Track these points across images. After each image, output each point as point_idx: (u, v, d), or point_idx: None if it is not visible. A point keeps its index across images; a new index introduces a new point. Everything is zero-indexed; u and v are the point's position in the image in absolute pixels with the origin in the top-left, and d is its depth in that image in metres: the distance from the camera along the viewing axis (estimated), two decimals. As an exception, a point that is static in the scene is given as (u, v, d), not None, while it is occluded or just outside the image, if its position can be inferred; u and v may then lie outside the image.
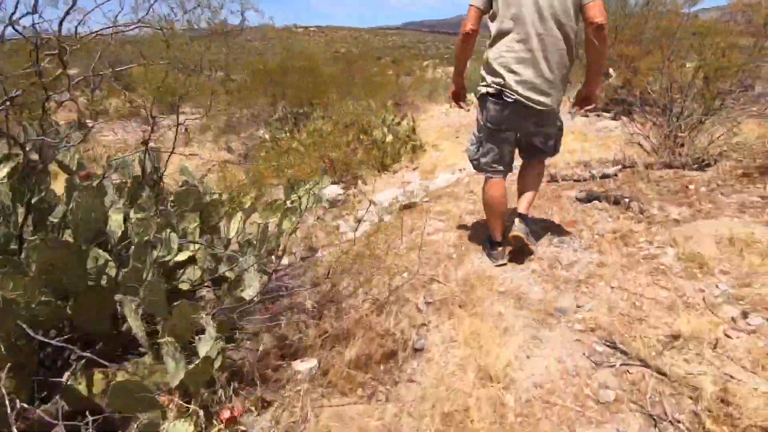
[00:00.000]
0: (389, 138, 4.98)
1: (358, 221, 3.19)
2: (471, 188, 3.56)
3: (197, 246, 1.92)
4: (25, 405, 1.12)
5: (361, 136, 5.21)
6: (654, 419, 1.36)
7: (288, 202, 2.47)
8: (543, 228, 2.61)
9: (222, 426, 1.31)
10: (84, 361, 1.29)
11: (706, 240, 2.20)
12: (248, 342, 1.81)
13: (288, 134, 5.15)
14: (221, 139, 7.31)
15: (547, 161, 2.45)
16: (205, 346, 1.34)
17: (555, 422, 1.40)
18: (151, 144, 2.00)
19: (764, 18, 3.41)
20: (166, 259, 1.81)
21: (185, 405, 1.25)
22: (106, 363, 1.30)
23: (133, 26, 1.69)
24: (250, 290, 1.74)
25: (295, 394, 1.55)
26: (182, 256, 1.90)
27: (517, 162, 2.37)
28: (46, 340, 1.26)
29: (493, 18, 2.01)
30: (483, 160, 2.21)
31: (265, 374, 1.60)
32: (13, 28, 1.34)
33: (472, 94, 4.73)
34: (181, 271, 1.93)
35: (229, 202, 2.49)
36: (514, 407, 1.46)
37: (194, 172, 2.42)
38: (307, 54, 6.65)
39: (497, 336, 1.76)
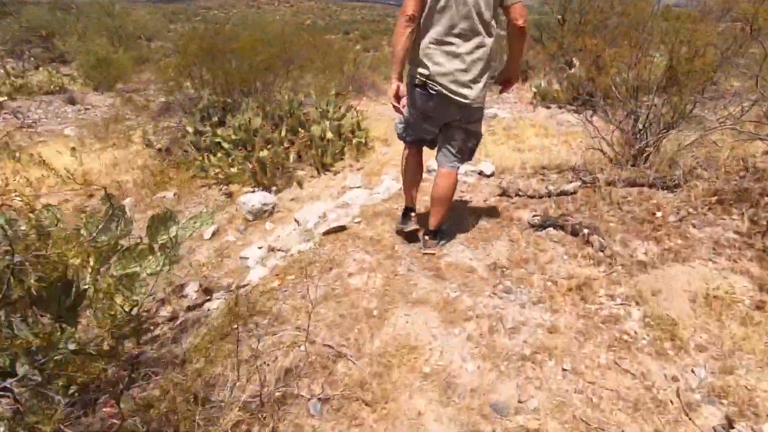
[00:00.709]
0: (329, 135, 4.36)
1: (271, 250, 2.63)
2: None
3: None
4: None
5: (299, 131, 4.58)
6: None
7: (157, 241, 1.88)
8: (486, 266, 2.16)
9: None
10: None
11: (677, 297, 1.80)
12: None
13: (210, 128, 4.42)
14: (149, 126, 6.43)
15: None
16: None
17: None
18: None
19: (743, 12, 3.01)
20: None
21: None
22: None
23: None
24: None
25: None
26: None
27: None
28: None
29: (423, 6, 1.91)
30: (408, 137, 2.31)
31: None
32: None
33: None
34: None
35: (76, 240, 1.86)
36: None
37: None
38: (235, 32, 5.78)
39: (410, 458, 1.29)
